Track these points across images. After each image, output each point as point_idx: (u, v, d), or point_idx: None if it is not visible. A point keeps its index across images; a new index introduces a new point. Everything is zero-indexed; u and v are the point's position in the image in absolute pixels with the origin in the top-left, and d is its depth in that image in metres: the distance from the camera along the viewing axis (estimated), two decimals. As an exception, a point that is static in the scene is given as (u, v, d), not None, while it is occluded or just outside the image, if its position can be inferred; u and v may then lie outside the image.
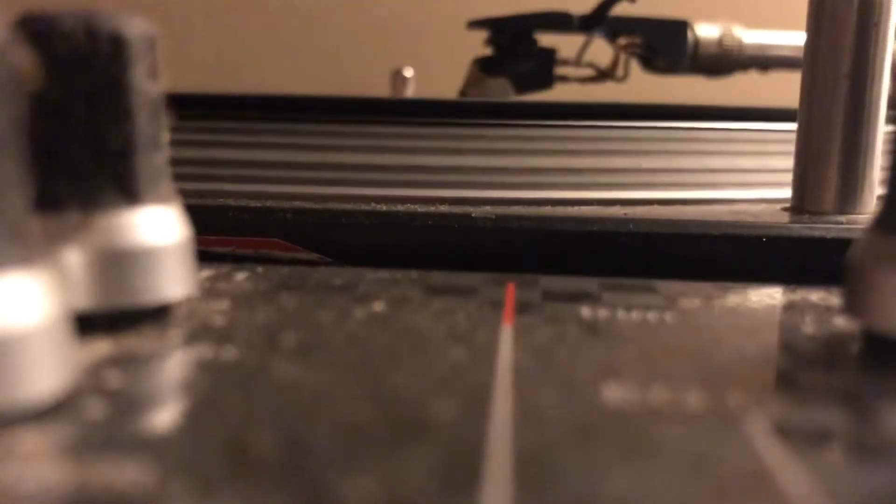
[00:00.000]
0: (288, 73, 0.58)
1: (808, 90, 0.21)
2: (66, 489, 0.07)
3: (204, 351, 0.11)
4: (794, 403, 0.10)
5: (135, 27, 0.12)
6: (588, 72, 0.40)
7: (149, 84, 0.12)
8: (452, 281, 0.16)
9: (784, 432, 0.09)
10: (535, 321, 0.13)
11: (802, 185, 0.21)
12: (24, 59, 0.10)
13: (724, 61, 0.37)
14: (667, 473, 0.08)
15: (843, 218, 0.20)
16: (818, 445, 0.09)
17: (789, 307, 0.15)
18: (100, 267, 0.12)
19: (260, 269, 0.17)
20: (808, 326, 0.13)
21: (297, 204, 0.20)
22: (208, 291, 0.15)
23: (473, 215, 0.19)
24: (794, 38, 0.37)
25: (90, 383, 0.10)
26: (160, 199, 0.13)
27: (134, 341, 0.12)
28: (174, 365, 0.11)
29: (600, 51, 0.39)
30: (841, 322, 0.14)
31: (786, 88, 0.28)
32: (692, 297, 0.15)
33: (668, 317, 0.14)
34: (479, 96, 0.39)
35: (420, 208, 0.19)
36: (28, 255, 0.09)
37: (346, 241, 0.19)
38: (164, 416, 0.09)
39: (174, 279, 0.13)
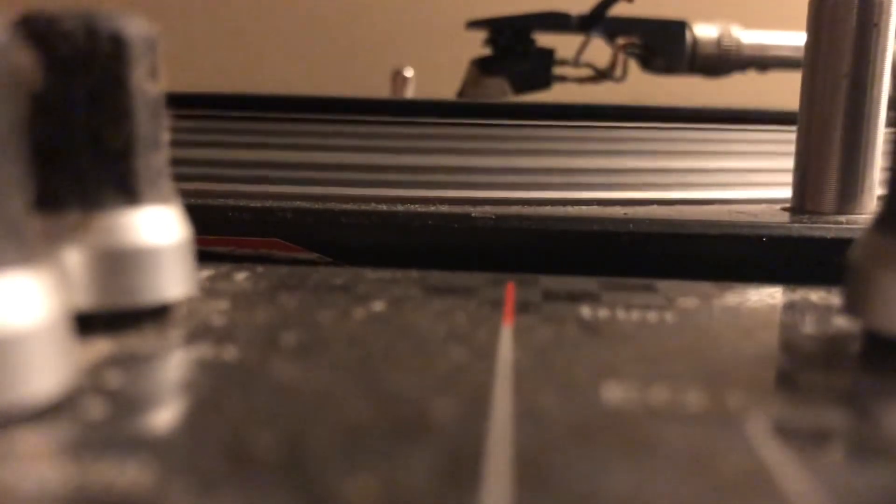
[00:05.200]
0: (288, 72, 0.58)
1: (809, 90, 0.21)
2: (65, 489, 0.07)
3: (204, 351, 0.11)
4: (793, 403, 0.10)
5: (135, 27, 0.12)
6: (586, 72, 0.40)
7: (149, 84, 0.12)
8: (452, 281, 0.16)
9: (784, 432, 0.09)
10: (534, 321, 0.13)
11: (802, 185, 0.21)
12: (24, 59, 0.10)
13: (722, 61, 0.37)
14: (666, 473, 0.08)
15: (842, 218, 0.20)
16: (818, 445, 0.09)
17: (789, 307, 0.15)
18: (100, 266, 0.12)
19: (260, 268, 0.17)
20: (808, 326, 0.13)
21: (297, 204, 0.20)
22: (208, 291, 0.15)
23: (473, 215, 0.19)
24: (792, 39, 0.37)
25: (90, 383, 0.10)
26: (160, 198, 0.13)
27: (134, 341, 0.12)
28: (174, 365, 0.11)
29: (598, 51, 0.39)
30: (841, 322, 0.14)
31: (785, 89, 0.28)
32: (692, 297, 0.15)
33: (668, 317, 0.14)
34: (477, 96, 0.39)
35: (420, 208, 0.19)
36: (28, 255, 0.09)
37: (345, 240, 0.19)
38: (165, 416, 0.09)
39: (174, 279, 0.13)
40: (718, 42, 0.37)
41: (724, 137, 0.26)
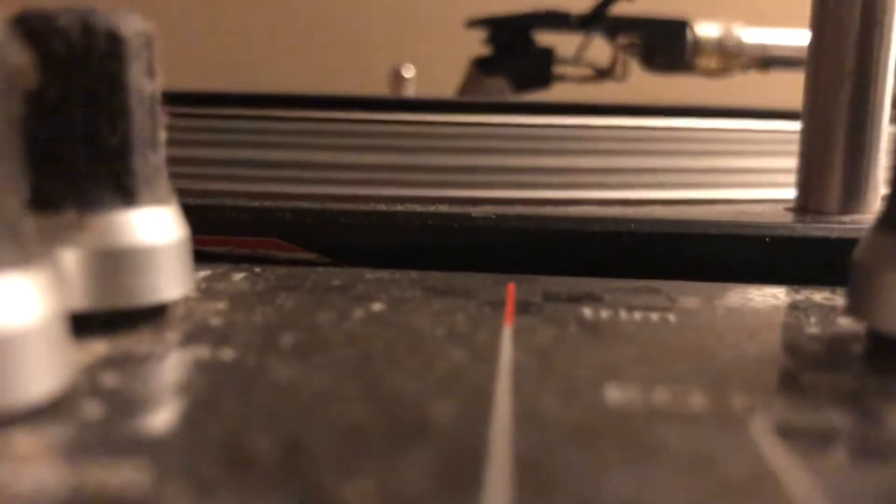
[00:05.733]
0: (287, 71, 0.58)
1: (812, 89, 0.21)
2: (61, 490, 0.07)
3: (201, 351, 0.11)
4: (797, 404, 0.10)
5: (132, 24, 0.12)
6: (587, 71, 0.40)
7: (146, 82, 0.12)
8: (452, 281, 0.16)
9: (788, 433, 0.09)
10: (535, 322, 0.13)
11: (806, 184, 0.21)
12: (20, 57, 0.09)
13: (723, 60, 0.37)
14: (669, 475, 0.08)
15: (846, 218, 0.20)
16: (822, 447, 0.09)
17: (793, 307, 0.15)
18: (96, 267, 0.12)
19: (258, 269, 0.17)
20: (812, 327, 0.13)
21: (296, 203, 0.20)
22: (206, 291, 0.15)
23: (473, 215, 0.19)
24: (793, 37, 0.37)
25: (86, 384, 0.10)
26: (157, 198, 0.13)
27: (131, 342, 0.12)
28: (171, 365, 0.11)
29: (599, 50, 0.39)
30: (845, 322, 0.14)
31: (787, 88, 0.28)
32: (694, 298, 0.15)
33: (671, 317, 0.14)
34: (477, 95, 0.39)
35: (420, 208, 0.19)
36: (24, 255, 0.09)
37: (344, 240, 0.19)
38: (161, 417, 0.09)
39: (171, 279, 0.13)
40: (719, 41, 0.37)
41: (726, 136, 0.26)
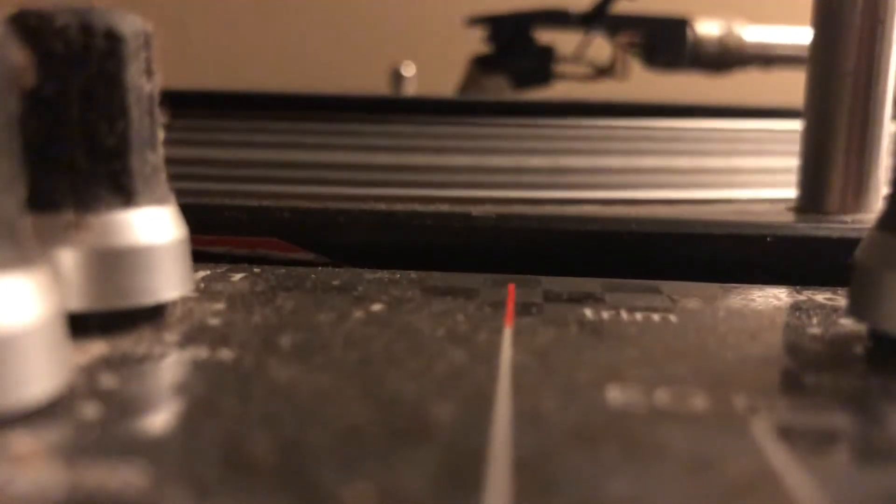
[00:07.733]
0: (286, 70, 0.58)
1: (813, 88, 0.21)
2: (59, 491, 0.07)
3: (200, 352, 0.11)
4: (799, 405, 0.10)
5: (130, 23, 0.12)
6: (587, 70, 0.40)
7: (144, 81, 0.12)
8: (452, 282, 0.16)
9: (789, 435, 0.09)
10: (536, 322, 0.13)
11: (807, 184, 0.21)
12: (17, 56, 0.09)
13: (724, 58, 0.37)
14: (671, 477, 0.08)
15: (848, 218, 0.20)
16: (824, 448, 0.09)
17: (794, 308, 0.15)
18: (95, 267, 0.12)
19: (257, 269, 0.17)
20: (814, 327, 0.13)
21: (295, 203, 0.20)
22: (204, 292, 0.15)
23: (473, 215, 0.18)
24: (794, 35, 0.37)
25: (85, 384, 0.10)
26: (156, 198, 0.12)
27: (129, 342, 0.12)
28: (169, 366, 0.11)
29: (599, 48, 0.39)
30: (847, 323, 0.14)
31: (788, 86, 0.28)
32: (696, 298, 0.15)
33: (672, 318, 0.14)
34: (477, 94, 0.39)
35: (420, 208, 0.19)
36: (22, 255, 0.09)
37: (344, 240, 0.19)
38: (160, 418, 0.09)
39: (170, 279, 0.13)
40: (720, 39, 0.37)
41: (728, 136, 0.26)
